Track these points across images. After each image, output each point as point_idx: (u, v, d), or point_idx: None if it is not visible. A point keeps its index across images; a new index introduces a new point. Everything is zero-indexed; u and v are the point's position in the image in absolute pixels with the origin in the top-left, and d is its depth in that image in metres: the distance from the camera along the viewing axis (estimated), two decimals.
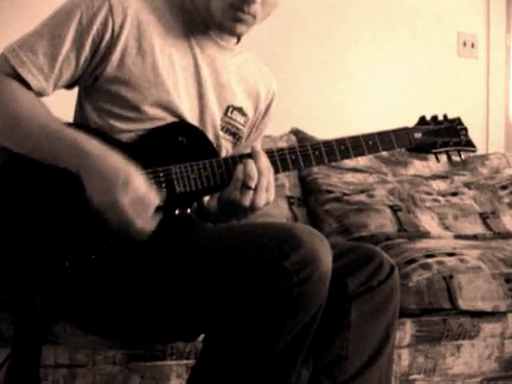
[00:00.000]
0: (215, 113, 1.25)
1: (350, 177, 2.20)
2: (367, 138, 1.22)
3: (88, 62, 1.15)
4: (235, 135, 1.30)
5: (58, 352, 1.28)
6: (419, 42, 2.79)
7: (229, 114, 1.28)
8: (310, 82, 2.60)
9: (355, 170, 2.23)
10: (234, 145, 1.32)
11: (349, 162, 2.24)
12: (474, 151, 1.34)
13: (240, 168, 1.11)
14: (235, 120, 1.29)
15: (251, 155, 1.13)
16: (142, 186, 1.04)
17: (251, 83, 1.33)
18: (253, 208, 1.12)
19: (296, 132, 2.27)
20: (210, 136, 1.25)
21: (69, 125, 1.13)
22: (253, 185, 1.10)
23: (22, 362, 1.16)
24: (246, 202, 1.10)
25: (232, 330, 1.01)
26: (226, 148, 1.31)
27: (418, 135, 1.27)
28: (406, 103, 2.67)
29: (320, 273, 0.98)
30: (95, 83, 1.17)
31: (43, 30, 1.13)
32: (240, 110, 1.30)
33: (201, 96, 1.23)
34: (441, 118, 1.32)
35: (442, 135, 1.30)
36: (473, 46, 2.91)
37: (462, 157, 1.33)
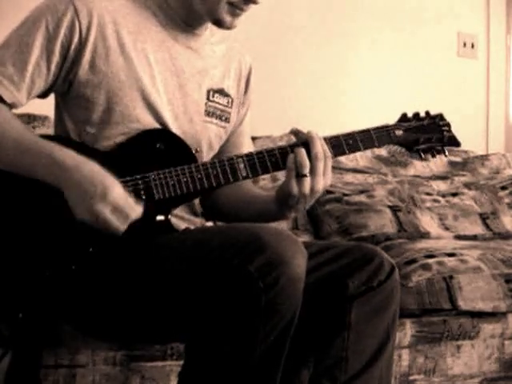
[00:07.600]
0: (198, 100, 1.25)
1: (350, 177, 2.19)
2: (347, 137, 1.20)
3: (59, 67, 1.13)
4: (221, 117, 1.30)
5: (58, 352, 1.27)
6: (419, 43, 2.79)
7: (211, 97, 1.27)
8: (310, 82, 2.60)
9: (355, 170, 2.23)
10: (224, 128, 1.31)
11: (349, 163, 2.24)
12: (457, 146, 1.30)
13: (291, 157, 1.12)
14: (218, 102, 1.29)
15: (303, 143, 1.13)
16: (121, 195, 1.03)
17: (227, 62, 1.33)
18: (313, 194, 1.12)
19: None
20: (198, 125, 1.25)
21: (43, 137, 1.11)
22: (306, 171, 1.10)
23: (23, 362, 1.16)
24: (306, 189, 1.10)
25: (206, 336, 0.98)
26: (218, 134, 1.30)
27: (399, 132, 1.25)
28: (405, 103, 2.63)
29: (289, 276, 0.93)
30: (70, 90, 1.15)
31: (10, 41, 1.11)
32: (221, 91, 1.29)
33: (181, 86, 1.23)
34: (423, 114, 1.29)
35: (424, 132, 1.27)
36: (473, 46, 2.91)
37: (446, 153, 1.29)
